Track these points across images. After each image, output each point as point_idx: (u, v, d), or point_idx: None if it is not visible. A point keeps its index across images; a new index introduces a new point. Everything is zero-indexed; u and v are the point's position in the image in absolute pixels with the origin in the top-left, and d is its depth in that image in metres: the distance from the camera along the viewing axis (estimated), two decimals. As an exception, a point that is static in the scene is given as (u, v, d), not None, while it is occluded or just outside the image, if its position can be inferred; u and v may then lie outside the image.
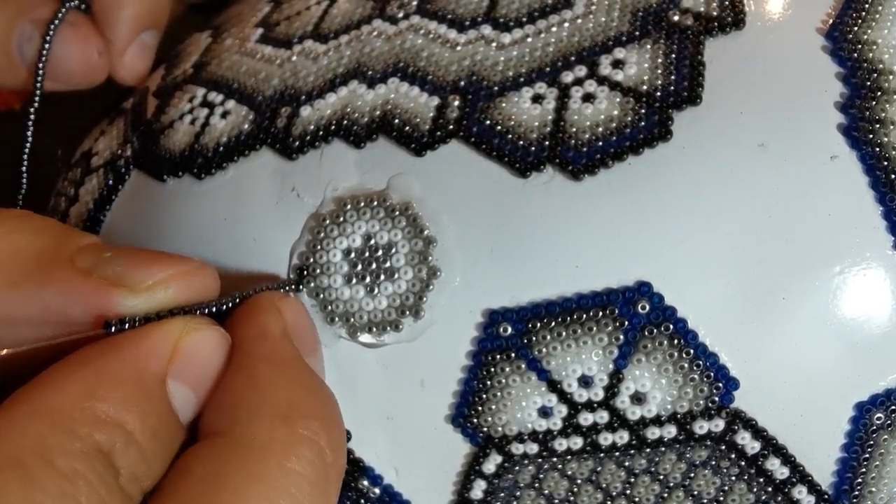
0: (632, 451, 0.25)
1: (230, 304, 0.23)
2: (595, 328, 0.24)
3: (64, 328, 0.22)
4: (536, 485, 0.26)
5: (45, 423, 0.19)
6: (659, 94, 0.25)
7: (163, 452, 0.21)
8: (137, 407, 0.20)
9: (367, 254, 0.25)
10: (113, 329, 0.21)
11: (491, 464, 0.25)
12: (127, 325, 0.21)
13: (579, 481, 0.25)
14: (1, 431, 0.19)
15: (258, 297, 0.24)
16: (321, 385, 0.23)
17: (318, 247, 0.25)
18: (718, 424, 0.24)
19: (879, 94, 0.25)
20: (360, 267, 0.25)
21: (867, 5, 0.27)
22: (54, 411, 0.19)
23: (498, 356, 0.24)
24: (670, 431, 0.24)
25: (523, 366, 0.24)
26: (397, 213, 0.25)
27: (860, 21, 0.26)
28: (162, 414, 0.21)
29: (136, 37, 0.33)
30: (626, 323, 0.24)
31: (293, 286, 0.25)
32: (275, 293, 0.24)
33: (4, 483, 0.18)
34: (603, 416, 0.24)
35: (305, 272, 0.25)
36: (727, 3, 0.26)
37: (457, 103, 0.26)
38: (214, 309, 0.23)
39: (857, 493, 0.25)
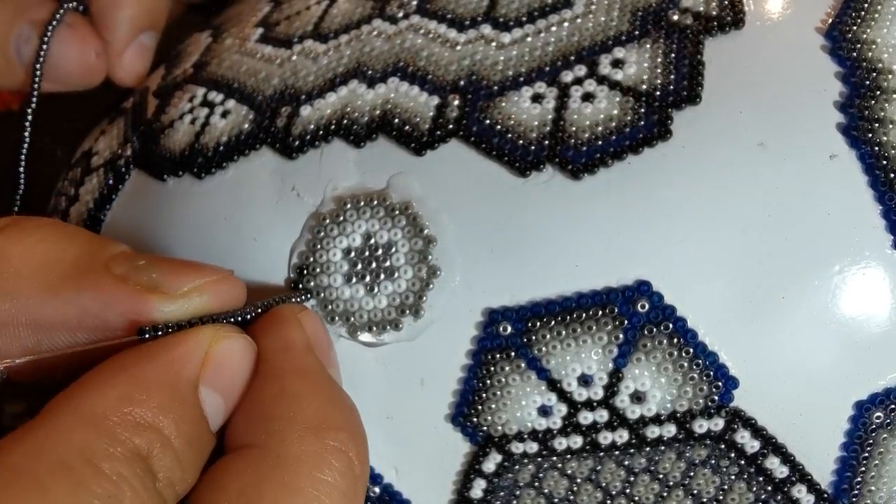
0: (631, 450, 0.25)
1: (252, 315, 0.24)
2: (595, 327, 0.24)
3: (100, 333, 0.22)
4: (536, 484, 0.26)
5: (89, 427, 0.19)
6: (658, 93, 0.25)
7: (196, 459, 0.21)
8: (173, 413, 0.21)
9: (367, 253, 0.25)
10: (147, 336, 0.22)
11: (491, 463, 0.25)
12: (160, 332, 0.22)
13: (579, 480, 0.25)
14: (48, 436, 0.19)
15: (280, 308, 0.24)
16: (346, 397, 0.23)
17: (318, 246, 0.25)
18: (718, 423, 0.24)
19: (878, 93, 0.25)
20: (360, 266, 0.25)
21: (866, 4, 0.27)
22: (97, 416, 0.20)
23: (498, 355, 0.25)
24: (670, 430, 0.24)
25: (523, 365, 0.24)
26: (397, 212, 0.25)
27: (859, 20, 0.26)
28: (195, 420, 0.21)
29: (135, 38, 0.33)
30: (626, 322, 0.24)
31: (306, 295, 0.25)
32: (295, 305, 0.24)
33: (55, 485, 0.19)
34: (603, 415, 0.24)
35: (305, 271, 0.25)
36: (727, 2, 0.26)
37: (457, 103, 0.26)
38: (239, 318, 0.24)
39: (856, 491, 0.25)
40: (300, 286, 0.25)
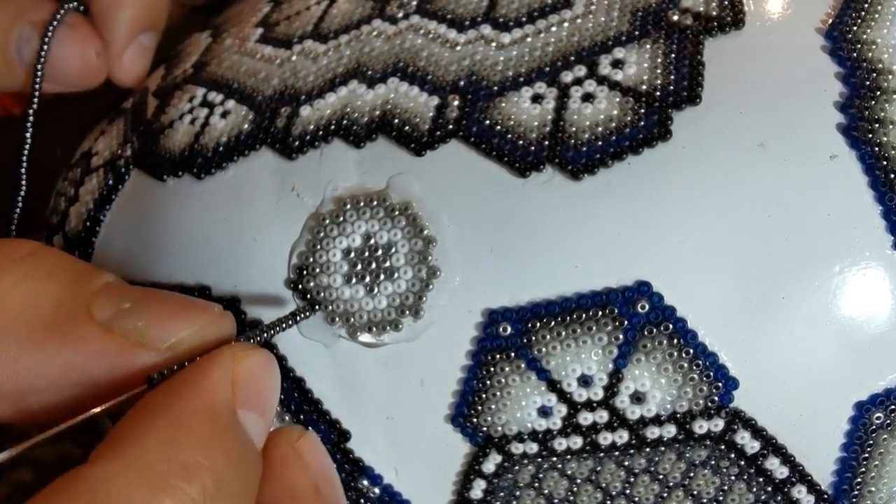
0: (631, 451, 0.25)
1: (256, 341, 0.23)
2: (595, 328, 0.24)
3: (86, 388, 0.22)
4: (536, 484, 0.26)
5: (136, 482, 0.19)
6: (658, 93, 0.25)
7: (251, 479, 0.21)
8: (219, 444, 0.20)
9: (366, 253, 0.25)
10: (154, 382, 0.21)
11: (490, 463, 0.25)
12: (165, 374, 0.21)
13: (579, 481, 0.25)
14: (91, 497, 0.19)
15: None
16: (226, 446, 0.22)
17: (318, 246, 0.25)
18: (718, 424, 0.24)
19: (879, 93, 0.25)
20: (359, 267, 0.25)
21: (866, 5, 0.27)
22: (142, 468, 0.19)
23: (497, 356, 0.25)
24: (670, 431, 0.24)
25: (523, 365, 0.24)
26: (397, 212, 0.25)
27: (859, 20, 0.26)
28: (241, 443, 0.21)
29: (135, 38, 0.33)
30: (626, 322, 0.24)
31: (307, 312, 0.25)
32: (240, 344, 0.23)
33: None
34: (602, 416, 0.24)
35: (305, 272, 0.25)
36: (727, 2, 0.26)
37: (456, 103, 0.26)
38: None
39: (856, 492, 0.25)
40: (304, 298, 0.25)
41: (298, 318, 0.25)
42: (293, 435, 0.24)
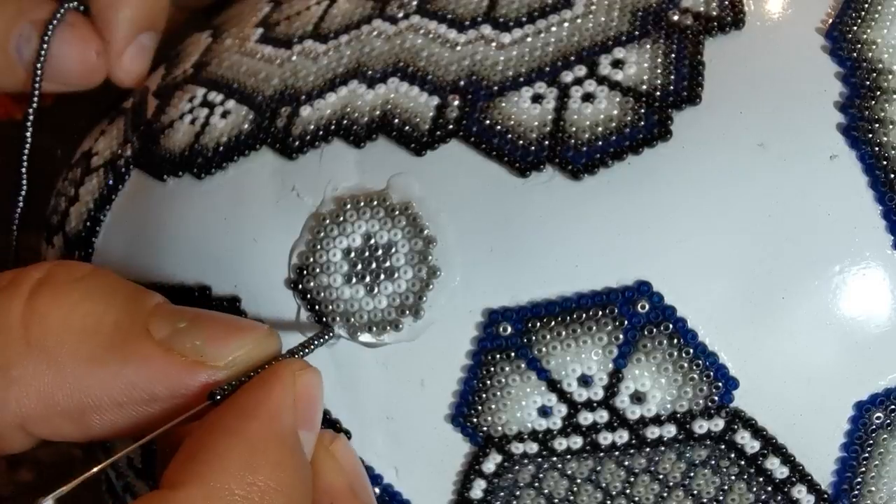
0: (631, 451, 0.25)
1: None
2: (595, 328, 0.24)
3: (146, 406, 0.22)
4: (536, 484, 0.26)
5: None
6: (659, 93, 0.25)
7: (308, 498, 0.21)
8: (289, 466, 0.21)
9: (366, 253, 0.25)
10: (217, 399, 0.22)
11: (491, 463, 0.25)
12: (227, 392, 0.22)
13: (579, 481, 0.25)
14: None
15: (280, 365, 0.23)
16: (294, 468, 0.22)
17: (318, 246, 0.25)
18: (718, 424, 0.24)
19: (879, 93, 0.25)
20: (359, 266, 0.25)
21: (867, 5, 0.27)
22: (223, 493, 0.20)
23: (498, 356, 0.25)
24: (670, 431, 0.24)
25: (523, 365, 0.24)
26: (397, 212, 0.25)
27: (860, 20, 0.26)
28: (304, 464, 0.21)
29: (134, 38, 0.33)
30: (626, 322, 0.24)
31: (331, 334, 0.25)
32: (296, 362, 0.23)
33: None
34: (603, 416, 0.24)
35: (305, 272, 0.25)
36: (727, 2, 0.26)
37: (457, 103, 0.26)
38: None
39: (856, 492, 0.25)
40: (304, 298, 0.25)
41: (323, 339, 0.25)
42: (326, 438, 0.24)
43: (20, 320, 0.22)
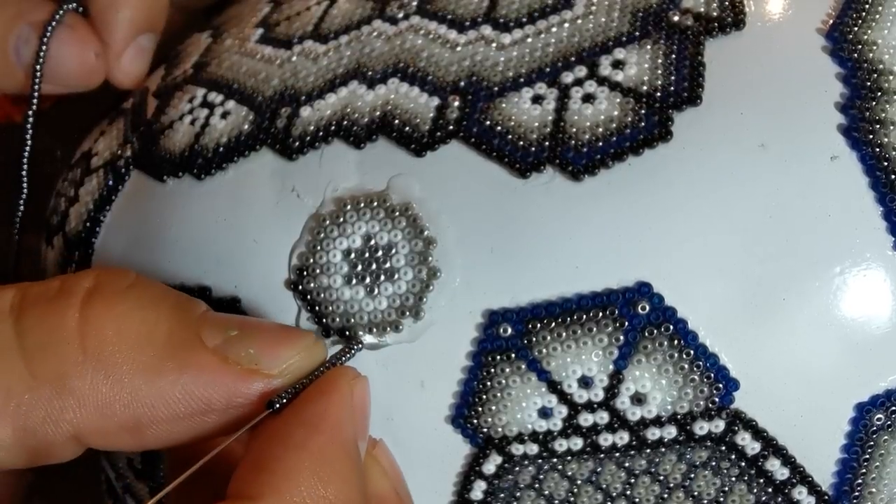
0: (632, 452, 0.25)
1: (318, 374, 0.24)
2: (595, 329, 0.24)
3: (203, 415, 0.22)
4: (536, 485, 0.26)
5: None
6: (659, 94, 0.25)
7: None
8: (353, 478, 0.21)
9: (367, 254, 0.25)
10: (276, 407, 0.22)
11: (491, 464, 0.25)
12: (285, 400, 0.22)
13: (579, 482, 0.25)
14: None
15: (336, 374, 0.24)
16: (357, 479, 0.23)
17: (318, 247, 0.25)
18: (718, 425, 0.24)
19: (880, 94, 0.25)
20: (360, 267, 0.25)
21: (867, 6, 0.27)
22: None
23: (498, 357, 0.24)
24: (670, 432, 0.24)
25: (523, 366, 0.24)
26: (397, 213, 0.25)
27: (860, 21, 0.26)
28: (362, 476, 0.22)
29: (133, 40, 0.33)
30: (626, 323, 0.24)
31: (360, 345, 0.25)
32: (350, 370, 0.24)
33: None
34: (603, 417, 0.24)
35: (305, 273, 0.25)
36: (727, 3, 0.26)
37: (457, 104, 0.26)
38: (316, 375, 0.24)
39: (857, 493, 0.25)
40: (304, 299, 0.25)
41: (359, 347, 0.25)
42: (369, 444, 0.25)
43: (76, 330, 0.22)
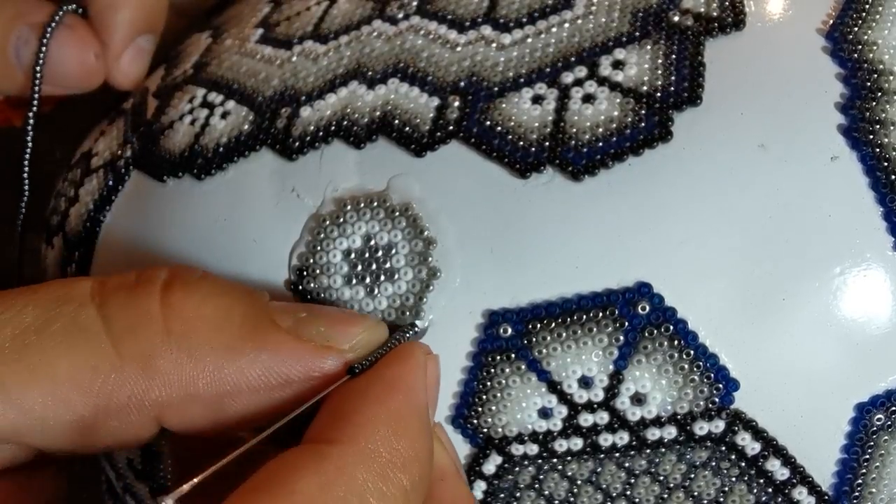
0: (632, 452, 0.25)
1: (381, 354, 0.24)
2: (595, 329, 0.24)
3: (281, 391, 0.23)
4: (536, 486, 0.26)
5: (368, 467, 0.21)
6: (659, 94, 0.25)
7: (431, 473, 0.22)
8: (425, 439, 0.22)
9: (367, 254, 0.25)
10: (356, 373, 0.23)
11: (491, 465, 0.25)
12: (364, 365, 0.23)
13: (579, 482, 0.25)
14: (337, 474, 0.20)
15: (411, 345, 0.24)
16: (427, 440, 0.24)
17: (318, 247, 0.25)
18: (718, 425, 0.24)
19: (880, 94, 0.25)
20: (360, 268, 0.25)
21: (867, 6, 0.27)
22: (372, 454, 0.21)
23: (498, 357, 0.24)
24: (670, 432, 0.24)
25: (523, 367, 0.24)
26: (397, 213, 0.25)
27: (860, 22, 0.26)
28: (431, 439, 0.22)
29: (133, 41, 0.33)
30: (626, 324, 0.24)
31: (415, 329, 0.25)
32: (423, 345, 0.24)
33: None
34: (603, 417, 0.24)
35: (305, 273, 0.25)
36: (727, 3, 0.26)
37: (457, 104, 0.26)
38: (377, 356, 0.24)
39: (857, 493, 0.25)
40: (304, 299, 0.25)
41: (414, 331, 0.25)
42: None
43: (160, 312, 0.23)
